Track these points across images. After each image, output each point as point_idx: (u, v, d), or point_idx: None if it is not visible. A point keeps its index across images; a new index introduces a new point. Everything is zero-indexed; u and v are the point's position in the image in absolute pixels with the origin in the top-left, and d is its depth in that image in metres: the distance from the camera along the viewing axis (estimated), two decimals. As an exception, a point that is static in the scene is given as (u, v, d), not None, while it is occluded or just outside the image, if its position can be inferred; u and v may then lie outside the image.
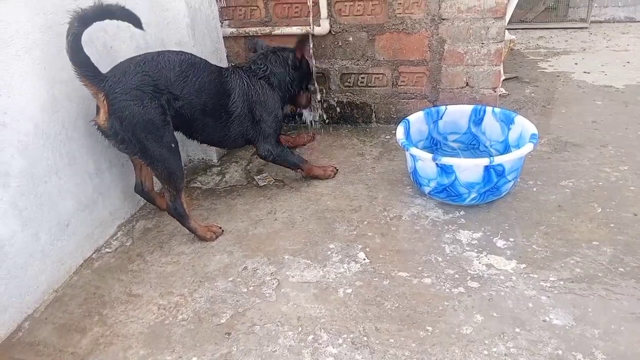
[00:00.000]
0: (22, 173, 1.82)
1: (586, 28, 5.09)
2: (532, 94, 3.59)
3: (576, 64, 4.15)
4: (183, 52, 2.23)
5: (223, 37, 3.06)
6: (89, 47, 2.11)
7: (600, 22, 5.28)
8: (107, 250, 2.27)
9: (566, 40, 4.78)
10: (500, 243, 2.11)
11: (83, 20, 1.78)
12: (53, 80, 1.94)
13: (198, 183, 2.79)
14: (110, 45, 2.25)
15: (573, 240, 2.08)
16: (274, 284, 1.99)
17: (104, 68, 2.19)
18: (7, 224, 1.79)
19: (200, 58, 2.28)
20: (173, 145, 2.10)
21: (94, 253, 2.25)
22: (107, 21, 2.19)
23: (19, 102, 1.79)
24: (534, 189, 2.45)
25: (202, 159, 2.99)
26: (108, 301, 1.97)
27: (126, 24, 1.96)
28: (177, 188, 2.14)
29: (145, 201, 2.58)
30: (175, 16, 2.52)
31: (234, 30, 3.12)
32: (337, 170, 2.72)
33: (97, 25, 2.14)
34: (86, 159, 2.16)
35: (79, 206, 2.12)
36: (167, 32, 2.59)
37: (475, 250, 2.08)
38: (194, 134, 2.36)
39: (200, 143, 2.48)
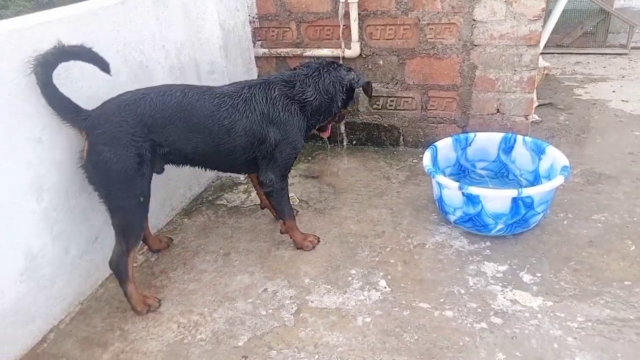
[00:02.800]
0: (56, 188, 1.88)
1: (626, 54, 4.95)
2: (567, 122, 3.51)
3: (614, 91, 4.03)
4: (175, 89, 2.00)
5: (255, 57, 3.12)
6: (125, 66, 2.20)
7: (641, 48, 5.12)
8: (134, 265, 2.31)
9: (604, 67, 4.65)
10: (526, 278, 2.06)
11: (45, 65, 1.71)
12: (90, 99, 2.00)
13: (224, 200, 2.82)
14: (146, 64, 2.32)
15: (604, 279, 2.01)
16: (293, 308, 1.99)
17: (140, 86, 2.26)
18: (39, 237, 1.85)
19: (197, 92, 2.02)
20: (141, 199, 1.95)
21: (119, 266, 2.30)
22: (142, 41, 2.28)
23: (54, 118, 1.86)
24: (565, 222, 2.38)
25: (230, 176, 3.03)
26: (130, 316, 2.00)
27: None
28: (128, 244, 1.95)
29: (172, 217, 2.63)
30: (208, 38, 2.59)
31: (266, 50, 3.17)
32: (319, 240, 2.37)
33: (132, 45, 2.23)
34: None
35: (107, 221, 2.16)
36: (201, 52, 2.65)
37: (500, 284, 2.03)
38: (194, 165, 2.17)
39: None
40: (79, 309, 2.06)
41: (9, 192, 1.73)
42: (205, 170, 2.22)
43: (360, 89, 2.34)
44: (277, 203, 2.26)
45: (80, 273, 2.06)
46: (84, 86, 1.95)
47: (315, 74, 2.20)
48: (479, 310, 1.91)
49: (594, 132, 3.33)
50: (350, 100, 2.36)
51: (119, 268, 1.96)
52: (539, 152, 2.50)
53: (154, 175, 2.11)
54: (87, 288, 2.12)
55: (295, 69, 2.28)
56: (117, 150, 1.84)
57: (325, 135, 2.49)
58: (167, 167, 2.15)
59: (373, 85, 3.09)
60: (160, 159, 2.03)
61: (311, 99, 2.17)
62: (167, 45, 2.44)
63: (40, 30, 1.79)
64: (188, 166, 2.16)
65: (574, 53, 5.07)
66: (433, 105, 3.06)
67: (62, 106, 1.80)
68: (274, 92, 2.10)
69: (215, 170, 2.32)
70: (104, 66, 1.87)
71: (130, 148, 1.86)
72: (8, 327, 1.77)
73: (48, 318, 1.93)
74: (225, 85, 2.17)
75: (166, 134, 1.95)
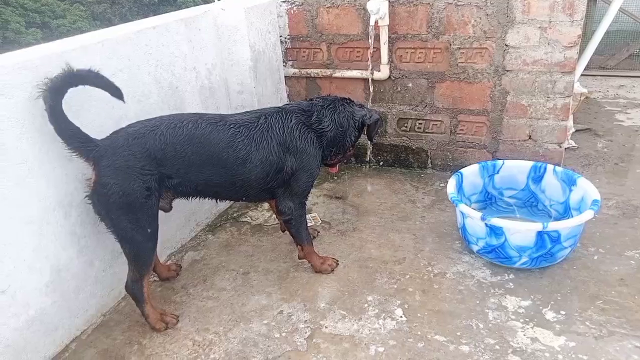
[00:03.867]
0: (83, 204, 1.96)
1: (675, 77, 4.73)
2: (605, 149, 3.37)
3: (659, 117, 3.85)
4: (187, 120, 1.98)
5: (285, 76, 3.17)
6: (156, 87, 2.27)
7: (692, 71, 4.88)
8: (155, 278, 2.37)
9: (650, 91, 4.46)
10: (549, 315, 1.98)
11: (53, 91, 1.69)
12: (120, 119, 2.09)
13: (248, 218, 2.86)
14: (176, 85, 2.39)
15: (634, 321, 1.91)
16: (306, 333, 1.99)
17: (170, 108, 2.34)
18: (66, 250, 1.94)
19: (209, 122, 2.00)
20: (149, 231, 1.93)
21: (142, 280, 2.37)
22: (174, 63, 2.36)
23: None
24: (595, 257, 2.29)
25: (256, 193, 3.07)
26: (148, 331, 2.05)
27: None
28: (140, 272, 1.96)
29: (196, 232, 2.69)
30: (239, 59, 2.65)
31: (296, 70, 3.22)
32: (338, 263, 2.36)
33: (163, 67, 2.31)
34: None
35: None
36: (231, 73, 2.72)
37: (521, 320, 1.97)
38: (205, 197, 2.15)
39: None
40: (100, 320, 2.13)
41: (39, 208, 1.82)
42: (217, 201, 2.23)
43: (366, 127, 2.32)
44: (295, 230, 2.26)
45: (104, 286, 2.14)
46: (115, 106, 2.03)
47: (331, 106, 2.22)
48: (497, 347, 1.85)
49: (634, 162, 3.18)
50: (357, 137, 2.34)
51: (134, 292, 2.00)
52: (570, 183, 2.41)
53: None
54: (110, 300, 2.19)
55: (311, 100, 2.29)
56: (124, 183, 1.82)
57: (334, 171, 2.50)
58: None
59: (402, 108, 3.09)
60: (170, 191, 2.02)
61: (327, 129, 2.18)
62: (198, 67, 2.51)
63: (76, 55, 1.88)
64: (200, 198, 2.14)
65: (618, 76, 4.88)
66: (462, 130, 3.01)
67: (70, 135, 1.77)
68: (291, 120, 2.11)
69: (228, 201, 2.31)
70: (115, 92, 1.86)
71: (138, 182, 1.85)
72: (32, 336, 1.85)
73: (70, 329, 2.01)
74: (238, 114, 2.17)
75: (177, 167, 1.94)
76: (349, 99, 2.34)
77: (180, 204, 2.49)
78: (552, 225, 2.03)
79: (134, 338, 2.02)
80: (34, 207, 1.80)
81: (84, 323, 2.07)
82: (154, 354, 1.93)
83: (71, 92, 1.77)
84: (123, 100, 1.90)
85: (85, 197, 1.89)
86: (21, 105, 1.72)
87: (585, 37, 3.69)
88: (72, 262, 1.97)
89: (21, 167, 1.75)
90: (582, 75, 3.53)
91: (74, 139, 1.78)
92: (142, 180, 1.86)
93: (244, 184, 2.07)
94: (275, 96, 2.97)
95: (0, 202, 1.69)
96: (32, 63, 1.75)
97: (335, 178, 3.25)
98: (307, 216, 2.78)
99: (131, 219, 1.87)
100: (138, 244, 1.92)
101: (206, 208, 2.76)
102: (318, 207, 2.89)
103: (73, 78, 1.73)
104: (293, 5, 3.08)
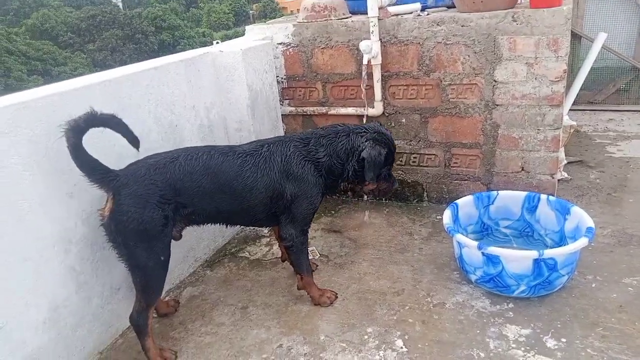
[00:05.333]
0: (83, 240, 1.98)
1: (662, 111, 4.85)
2: (597, 180, 3.43)
3: (648, 149, 3.93)
4: (201, 152, 2.08)
5: (282, 114, 3.26)
6: (156, 126, 2.34)
7: (679, 104, 5.01)
8: (153, 315, 2.35)
9: (639, 124, 4.56)
10: (550, 343, 1.97)
11: (75, 130, 1.76)
12: (120, 157, 2.13)
13: (246, 253, 2.87)
14: (176, 124, 2.46)
15: (635, 348, 1.91)
16: (306, 366, 1.97)
17: (170, 145, 2.40)
18: (65, 286, 1.94)
19: (221, 153, 2.10)
20: (162, 259, 1.98)
21: (140, 317, 2.35)
22: (173, 102, 2.44)
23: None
24: (593, 285, 2.29)
25: (253, 229, 3.09)
26: (146, 368, 2.03)
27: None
28: (148, 302, 1.99)
29: (194, 268, 2.69)
30: (237, 98, 2.73)
31: (292, 109, 3.31)
32: (337, 296, 2.36)
33: (163, 106, 2.38)
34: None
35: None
36: (229, 111, 2.80)
37: (522, 349, 1.96)
38: (216, 223, 2.23)
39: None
40: (97, 358, 2.10)
41: (38, 244, 1.84)
42: (227, 226, 2.28)
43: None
44: (295, 257, 2.28)
45: (102, 323, 2.12)
46: (116, 144, 2.08)
47: (331, 135, 2.22)
48: (499, 376, 1.83)
49: (627, 191, 3.23)
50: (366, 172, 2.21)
51: (138, 323, 2.00)
52: (564, 212, 2.45)
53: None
54: (108, 337, 2.17)
55: (323, 128, 2.32)
56: (145, 211, 1.89)
57: (369, 187, 2.36)
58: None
59: (396, 143, 3.14)
60: (182, 220, 2.07)
61: (322, 159, 2.19)
62: (197, 105, 2.60)
63: (77, 94, 1.95)
64: (210, 224, 2.22)
65: (607, 110, 5.00)
66: (456, 163, 3.07)
67: (91, 168, 1.84)
68: (289, 149, 2.17)
69: (237, 226, 2.37)
70: (132, 139, 1.95)
71: (157, 210, 1.92)
72: (28, 375, 1.82)
73: (67, 366, 1.98)
74: (244, 145, 2.25)
75: (192, 196, 2.02)
76: (362, 127, 2.27)
77: (174, 244, 2.51)
78: (548, 253, 2.05)
79: (131, 375, 2.00)
80: (33, 244, 1.82)
81: (81, 361, 2.04)
82: (152, 391, 1.90)
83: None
84: (138, 150, 1.98)
85: (101, 225, 1.93)
86: (24, 144, 1.77)
87: (572, 74, 3.82)
88: (71, 298, 1.96)
89: (22, 205, 1.77)
90: (572, 110, 3.63)
91: (96, 171, 1.85)
92: (161, 209, 1.93)
93: (252, 209, 2.15)
94: (273, 133, 3.04)
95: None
96: (35, 103, 1.81)
97: (333, 212, 3.28)
98: (306, 249, 2.81)
99: (147, 247, 1.92)
100: (150, 271, 1.96)
101: (205, 244, 2.78)
102: (316, 241, 2.90)
103: (95, 120, 1.81)
104: (289, 47, 3.20)
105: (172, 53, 2.85)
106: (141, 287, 1.98)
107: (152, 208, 1.91)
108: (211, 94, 2.71)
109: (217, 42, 2.96)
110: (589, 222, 2.23)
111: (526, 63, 2.70)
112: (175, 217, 2.01)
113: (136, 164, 1.99)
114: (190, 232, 2.60)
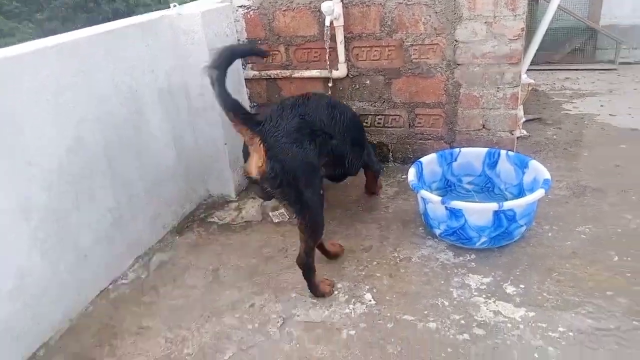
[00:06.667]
0: (45, 208, 1.94)
1: (614, 70, 5.04)
2: (554, 136, 3.56)
3: (602, 106, 4.09)
4: (321, 94, 2.26)
5: (245, 79, 3.21)
6: (116, 90, 2.27)
7: (630, 63, 5.21)
8: (123, 281, 2.35)
9: (593, 82, 4.73)
10: (510, 289, 2.08)
11: (219, 67, 1.80)
12: (80, 121, 2.08)
13: (215, 218, 2.87)
14: (135, 88, 2.40)
15: (586, 289, 2.03)
16: (278, 322, 2.02)
17: (129, 110, 2.35)
18: (28, 255, 1.90)
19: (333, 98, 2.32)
20: (322, 192, 2.04)
21: (110, 284, 2.34)
22: (133, 67, 2.37)
23: (44, 142, 1.92)
24: (549, 234, 2.41)
25: (221, 194, 3.08)
26: (119, 332, 2.03)
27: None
28: (315, 239, 2.05)
29: (163, 235, 2.68)
30: (198, 62, 2.66)
31: (256, 73, 3.26)
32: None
33: (122, 70, 2.32)
34: (106, 195, 2.27)
35: (97, 239, 2.22)
36: (190, 76, 2.73)
37: (484, 296, 2.06)
38: (336, 171, 2.47)
39: (335, 182, 2.66)
40: (68, 325, 2.09)
41: (-1, 213, 1.79)
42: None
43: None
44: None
45: (70, 290, 2.10)
46: (74, 107, 2.02)
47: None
48: (462, 322, 1.93)
49: (581, 146, 3.38)
50: None
51: (308, 263, 2.05)
52: (522, 166, 2.55)
53: (136, 195, 2.19)
54: (77, 305, 2.15)
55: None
56: (303, 144, 1.96)
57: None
58: (158, 182, 2.19)
59: (361, 105, 3.17)
60: (326, 155, 2.20)
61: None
62: (156, 70, 2.53)
63: (37, 58, 1.87)
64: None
65: (564, 69, 5.16)
66: (420, 123, 3.12)
67: (238, 109, 1.84)
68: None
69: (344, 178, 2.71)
70: (262, 53, 2.24)
71: (312, 142, 2.01)
72: (-2, 344, 1.80)
73: (37, 335, 1.96)
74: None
75: (333, 127, 2.24)
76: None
77: (141, 208, 2.50)
78: (508, 204, 2.14)
79: (104, 340, 2.00)
80: (-6, 212, 1.77)
81: (51, 329, 2.02)
82: (126, 354, 1.92)
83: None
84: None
85: (257, 177, 1.92)
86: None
87: (530, 34, 3.91)
88: (36, 266, 1.93)
89: (-21, 172, 1.72)
90: (530, 70, 3.72)
91: (240, 112, 1.85)
92: (314, 141, 2.03)
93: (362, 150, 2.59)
94: (237, 97, 2.99)
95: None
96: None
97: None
98: (273, 213, 2.84)
99: (312, 182, 1.98)
100: (317, 208, 2.01)
101: (172, 209, 2.76)
102: (284, 205, 2.93)
103: (234, 54, 1.89)
104: (249, 9, 3.13)
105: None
106: (309, 227, 2.01)
107: (308, 140, 1.98)
108: (171, 59, 2.64)
109: (175, 5, 2.86)
110: (546, 175, 2.33)
111: (485, 22, 2.74)
112: (323, 152, 2.13)
113: (270, 107, 2.07)
114: (157, 198, 2.59)
